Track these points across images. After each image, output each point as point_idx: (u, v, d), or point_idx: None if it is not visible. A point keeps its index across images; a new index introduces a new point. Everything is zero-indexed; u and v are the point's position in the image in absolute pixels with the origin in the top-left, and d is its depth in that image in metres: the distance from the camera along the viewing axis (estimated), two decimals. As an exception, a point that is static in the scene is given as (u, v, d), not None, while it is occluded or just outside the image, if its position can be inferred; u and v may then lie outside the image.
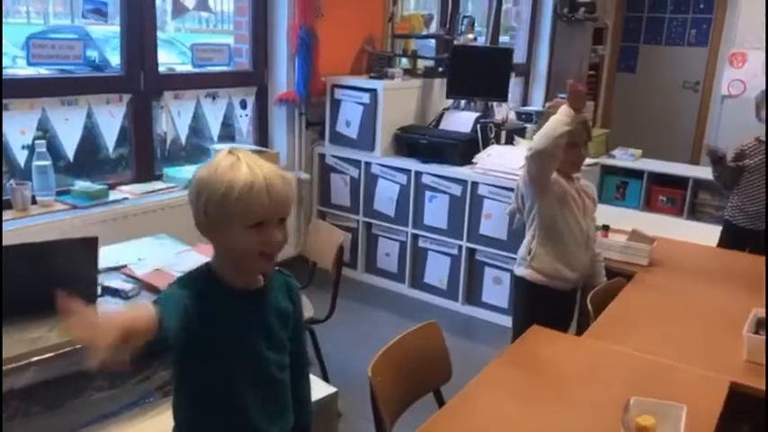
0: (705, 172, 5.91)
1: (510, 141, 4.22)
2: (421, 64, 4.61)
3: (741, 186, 3.44)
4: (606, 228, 2.73)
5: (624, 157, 6.05)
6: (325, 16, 3.90)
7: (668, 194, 5.81)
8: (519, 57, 6.42)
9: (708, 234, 4.24)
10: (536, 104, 6.41)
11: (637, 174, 5.93)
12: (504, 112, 4.97)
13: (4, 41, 2.88)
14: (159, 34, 3.43)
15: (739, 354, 1.86)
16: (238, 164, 1.18)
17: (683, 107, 7.07)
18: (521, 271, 2.43)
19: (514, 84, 6.43)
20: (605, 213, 4.91)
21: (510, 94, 6.19)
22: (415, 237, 3.96)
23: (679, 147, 6.99)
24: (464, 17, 4.69)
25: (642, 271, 2.52)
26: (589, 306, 2.13)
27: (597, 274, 2.47)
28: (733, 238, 3.44)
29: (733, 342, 1.89)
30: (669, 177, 5.82)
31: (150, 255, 2.36)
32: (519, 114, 6.06)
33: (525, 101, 6.58)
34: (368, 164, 4.03)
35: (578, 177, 2.47)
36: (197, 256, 2.29)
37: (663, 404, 1.45)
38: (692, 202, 5.71)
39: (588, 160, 4.07)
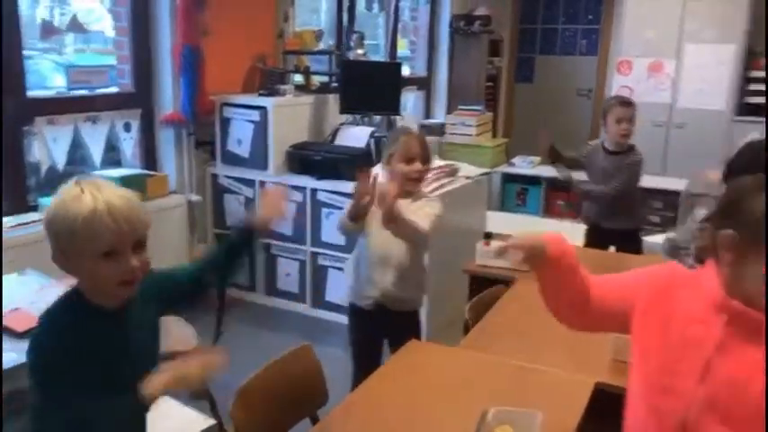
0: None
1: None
2: (316, 80, 4.58)
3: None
4: (489, 236, 2.76)
5: (524, 165, 6.21)
6: (211, 34, 3.81)
7: (566, 199, 6.00)
8: (419, 70, 6.52)
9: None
10: (438, 117, 6.52)
11: (536, 180, 6.10)
12: (406, 124, 5.03)
13: None
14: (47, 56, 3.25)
15: (607, 353, 1.90)
16: (81, 195, 1.17)
17: (578, 114, 7.36)
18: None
19: (416, 97, 6.53)
20: (504, 220, 5.11)
21: (409, 108, 6.32)
22: (315, 255, 3.90)
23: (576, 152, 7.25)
24: (354, 32, 4.71)
25: (522, 276, 2.56)
26: (467, 316, 2.14)
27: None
28: (596, 238, 3.48)
29: (601, 342, 1.93)
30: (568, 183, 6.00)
31: (11, 293, 2.20)
32: (421, 127, 6.16)
33: (428, 113, 6.67)
34: (262, 183, 3.95)
35: (420, 193, 2.42)
36: (59, 290, 2.15)
37: (520, 412, 1.45)
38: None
39: (478, 170, 4.20)
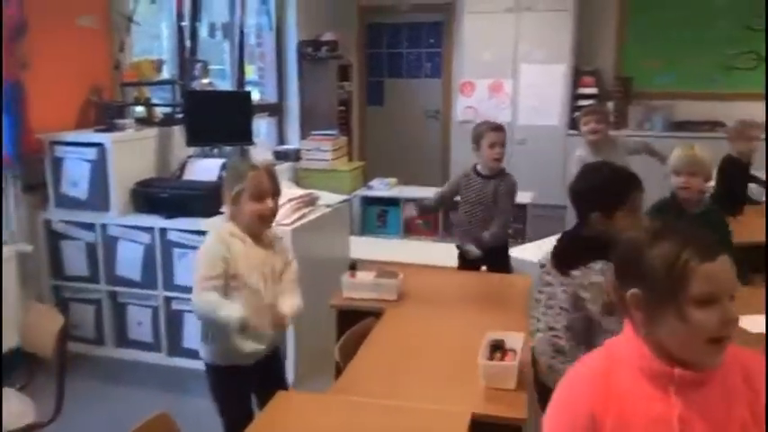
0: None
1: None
2: (159, 111, 4.31)
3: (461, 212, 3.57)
4: (353, 267, 2.70)
5: (381, 187, 6.26)
6: (35, 67, 3.45)
7: (424, 218, 6.12)
8: (269, 96, 6.39)
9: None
10: (292, 143, 6.42)
11: (394, 202, 6.17)
12: (260, 154, 4.87)
13: None
14: None
15: (480, 381, 1.89)
16: None
17: (429, 134, 7.59)
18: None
19: (268, 123, 6.39)
20: (368, 245, 5.10)
21: (262, 135, 6.17)
22: (168, 299, 3.63)
23: (430, 171, 7.46)
24: (197, 61, 4.50)
25: (391, 306, 2.52)
26: (337, 357, 2.04)
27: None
28: (466, 259, 3.51)
29: (473, 370, 1.92)
30: (423, 202, 6.14)
31: None
32: (276, 154, 6.02)
33: (281, 140, 6.55)
34: (104, 225, 3.62)
35: (272, 235, 2.30)
36: None
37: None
38: (446, 223, 6.07)
39: (338, 197, 4.15)
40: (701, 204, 2.93)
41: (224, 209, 2.28)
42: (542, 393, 2.01)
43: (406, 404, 1.78)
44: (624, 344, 1.23)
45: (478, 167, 3.50)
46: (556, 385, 1.29)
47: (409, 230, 6.18)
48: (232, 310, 2.02)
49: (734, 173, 3.93)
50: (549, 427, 1.22)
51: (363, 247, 4.97)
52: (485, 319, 2.37)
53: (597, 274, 1.84)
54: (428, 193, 6.27)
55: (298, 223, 3.37)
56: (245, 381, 2.21)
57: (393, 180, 6.37)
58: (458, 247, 3.55)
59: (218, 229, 2.22)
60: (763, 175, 4.45)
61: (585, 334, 1.86)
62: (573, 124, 6.65)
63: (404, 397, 1.84)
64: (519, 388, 1.85)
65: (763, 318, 2.37)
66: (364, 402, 1.80)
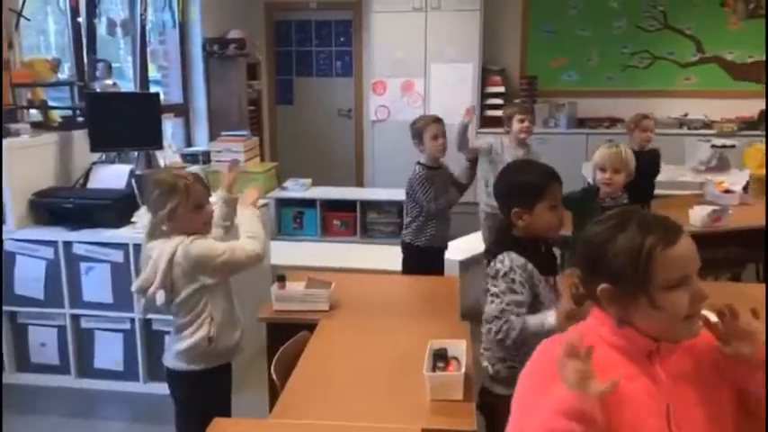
0: (371, 193, 6.37)
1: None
2: (56, 115, 3.99)
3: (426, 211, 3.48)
4: (282, 278, 2.59)
5: (296, 188, 6.14)
6: None
7: (341, 218, 6.05)
8: (174, 96, 6.10)
9: (383, 252, 4.49)
10: (200, 144, 6.16)
11: (310, 203, 6.06)
12: (167, 158, 4.62)
13: None
14: None
15: (426, 395, 1.84)
16: None
17: (342, 134, 7.52)
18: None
19: (174, 125, 6.10)
20: (289, 250, 4.96)
21: (169, 138, 5.87)
22: (76, 318, 3.37)
23: (345, 171, 7.41)
24: (99, 61, 4.21)
25: (325, 317, 2.44)
26: (274, 377, 1.94)
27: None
28: (415, 259, 3.50)
29: (418, 382, 1.87)
30: (340, 202, 6.07)
31: None
32: (184, 157, 5.75)
33: (189, 142, 6.27)
34: (-1, 242, 3.31)
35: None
36: None
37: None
38: (363, 222, 6.03)
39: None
40: (617, 199, 3.07)
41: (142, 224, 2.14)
42: (482, 396, 2.01)
43: (354, 424, 1.71)
44: (603, 327, 1.23)
45: (424, 162, 3.46)
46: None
47: (326, 232, 6.09)
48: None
49: (639, 167, 4.10)
50: (536, 403, 1.15)
51: (281, 251, 4.83)
52: (422, 325, 2.33)
53: (498, 264, 1.92)
54: (343, 193, 6.25)
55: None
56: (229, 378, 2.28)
57: (308, 181, 6.26)
58: (421, 247, 3.48)
59: (196, 244, 2.10)
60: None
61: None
62: (484, 122, 6.81)
63: (350, 416, 1.77)
64: (466, 398, 1.82)
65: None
66: (310, 425, 1.71)
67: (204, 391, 2.18)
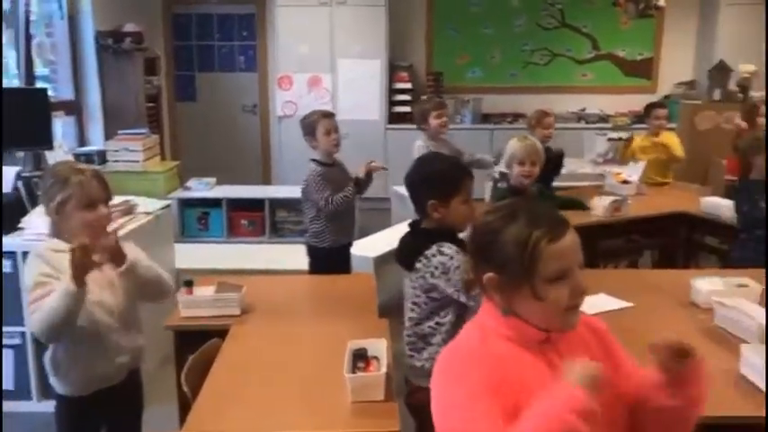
0: (279, 191, 6.22)
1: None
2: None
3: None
4: (190, 283, 2.45)
5: (200, 188, 5.90)
6: None
7: (249, 218, 5.88)
8: (64, 93, 5.71)
9: (293, 252, 4.37)
10: (95, 143, 5.81)
11: (215, 202, 5.85)
12: (58, 158, 4.31)
13: None
14: None
15: (346, 396, 1.78)
16: None
17: (247, 130, 7.32)
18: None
19: (66, 124, 5.71)
20: (195, 253, 4.75)
21: (60, 138, 5.50)
22: (-42, 335, 3.07)
23: (251, 169, 7.22)
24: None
25: (237, 322, 2.33)
26: (185, 388, 1.82)
27: None
28: (322, 262, 3.40)
29: (337, 385, 1.81)
30: (246, 201, 5.89)
31: None
32: (77, 157, 5.41)
33: (82, 141, 5.90)
34: None
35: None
36: None
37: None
38: (272, 221, 5.89)
39: (159, 202, 3.80)
40: (532, 189, 3.15)
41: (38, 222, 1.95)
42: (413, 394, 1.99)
43: (271, 433, 1.63)
44: (492, 318, 1.26)
45: (318, 158, 3.35)
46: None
47: (234, 232, 5.90)
48: (59, 288, 1.76)
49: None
50: (453, 397, 1.17)
51: (186, 254, 4.63)
52: (339, 325, 2.27)
53: (439, 256, 1.90)
54: (251, 192, 6.07)
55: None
56: (99, 413, 2.02)
57: (212, 180, 6.04)
58: (327, 249, 3.36)
59: (37, 251, 1.93)
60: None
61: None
62: (392, 118, 6.82)
63: (267, 425, 1.68)
64: (388, 398, 1.78)
65: (593, 299, 2.54)
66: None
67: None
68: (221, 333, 2.24)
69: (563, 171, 5.10)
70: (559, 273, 1.18)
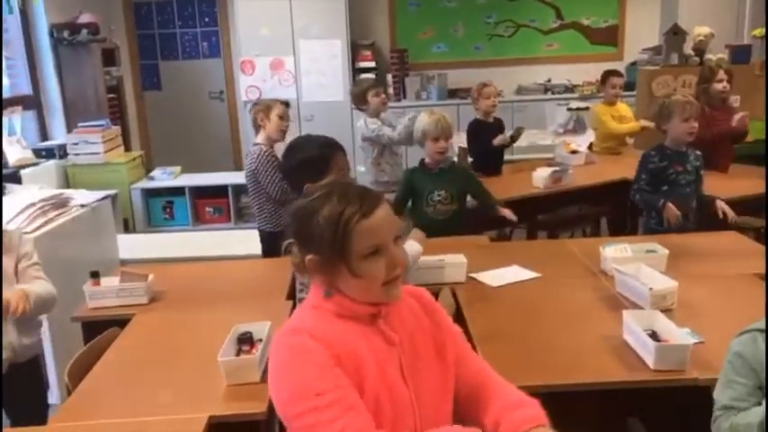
0: (243, 177, 6.19)
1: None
2: None
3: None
4: (96, 275, 2.46)
5: (164, 177, 5.91)
6: None
7: (214, 205, 5.90)
8: (21, 88, 5.71)
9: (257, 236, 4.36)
10: (58, 137, 5.82)
11: (180, 191, 5.86)
12: (17, 154, 4.36)
13: None
14: None
15: (222, 381, 1.80)
16: None
17: (215, 117, 7.31)
18: None
19: (25, 118, 5.72)
20: (146, 242, 4.76)
21: (18, 133, 5.52)
22: None
23: (220, 155, 7.22)
24: None
25: (141, 311, 2.35)
26: (67, 380, 1.85)
27: None
28: (274, 245, 3.41)
29: (215, 370, 1.83)
30: (211, 188, 5.90)
31: None
32: (38, 152, 5.43)
33: (45, 136, 5.91)
34: None
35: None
36: None
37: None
38: (237, 208, 5.90)
39: (98, 194, 3.76)
40: (446, 161, 3.14)
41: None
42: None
43: (138, 419, 1.66)
44: (320, 298, 1.27)
45: (261, 142, 3.35)
46: None
47: (200, 220, 5.92)
48: None
49: (482, 134, 4.21)
50: (298, 378, 1.18)
51: (151, 243, 4.65)
52: (243, 311, 2.27)
53: None
54: (214, 179, 6.07)
55: (42, 230, 3.01)
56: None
57: (177, 168, 6.05)
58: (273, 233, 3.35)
59: None
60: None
61: None
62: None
63: (141, 412, 1.71)
64: (265, 379, 1.79)
65: (503, 270, 2.56)
66: (89, 426, 1.64)
67: None
68: (124, 324, 2.26)
69: (524, 143, 5.11)
70: (372, 248, 1.20)
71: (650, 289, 2.13)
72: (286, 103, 3.48)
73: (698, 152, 3.12)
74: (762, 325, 1.46)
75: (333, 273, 1.23)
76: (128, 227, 5.61)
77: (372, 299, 1.24)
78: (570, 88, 6.86)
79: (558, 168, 3.97)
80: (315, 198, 1.25)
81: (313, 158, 1.99)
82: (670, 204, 2.93)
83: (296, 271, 1.45)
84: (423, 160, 3.17)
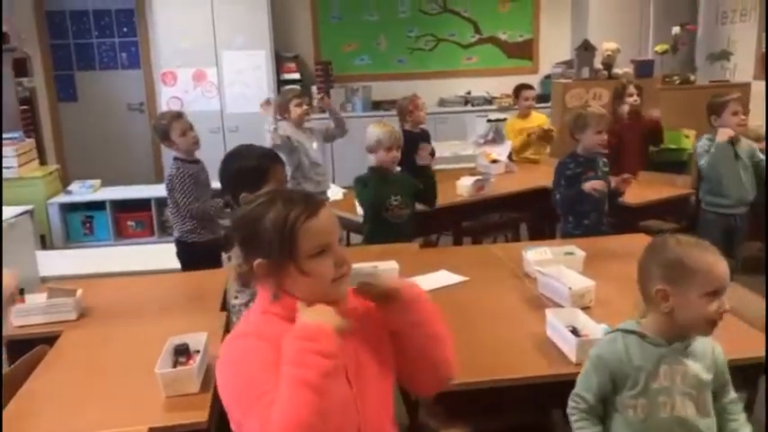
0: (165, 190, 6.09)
1: None
2: None
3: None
4: (21, 292, 2.39)
5: (82, 191, 5.73)
6: None
7: (136, 218, 5.75)
8: (-76, 100, 5.41)
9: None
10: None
11: (100, 205, 5.68)
12: None
13: None
14: None
15: (160, 393, 1.80)
16: None
17: (134, 129, 7.14)
18: None
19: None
20: (66, 259, 4.60)
21: None
22: None
23: (141, 167, 7.05)
24: None
25: (70, 328, 2.30)
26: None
27: None
28: (193, 256, 3.38)
29: (153, 382, 1.82)
30: (133, 201, 5.76)
31: None
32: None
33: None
34: None
35: None
36: None
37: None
38: (161, 221, 5.78)
39: (13, 210, 3.64)
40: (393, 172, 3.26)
41: None
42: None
43: (73, 434, 1.64)
44: (268, 303, 1.30)
45: (181, 157, 3.35)
46: None
47: (122, 234, 5.76)
48: None
49: (410, 144, 4.32)
50: (244, 378, 1.19)
51: (69, 260, 4.49)
52: (176, 323, 2.25)
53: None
54: (136, 192, 5.92)
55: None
56: None
57: (96, 182, 5.88)
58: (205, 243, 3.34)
59: None
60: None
61: None
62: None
63: (76, 427, 1.68)
64: (204, 390, 1.81)
65: (433, 275, 2.65)
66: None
67: None
68: (53, 341, 2.20)
69: (447, 154, 5.27)
70: (319, 247, 1.26)
71: (570, 288, 2.27)
72: (179, 115, 3.46)
73: (605, 159, 3.35)
74: (627, 326, 1.65)
75: (281, 275, 1.27)
76: (45, 243, 5.39)
77: (320, 298, 1.28)
78: (489, 100, 7.13)
79: (480, 177, 4.13)
80: (258, 204, 1.29)
81: (252, 168, 2.02)
82: (589, 182, 3.12)
83: (239, 281, 1.48)
84: (374, 168, 3.24)
